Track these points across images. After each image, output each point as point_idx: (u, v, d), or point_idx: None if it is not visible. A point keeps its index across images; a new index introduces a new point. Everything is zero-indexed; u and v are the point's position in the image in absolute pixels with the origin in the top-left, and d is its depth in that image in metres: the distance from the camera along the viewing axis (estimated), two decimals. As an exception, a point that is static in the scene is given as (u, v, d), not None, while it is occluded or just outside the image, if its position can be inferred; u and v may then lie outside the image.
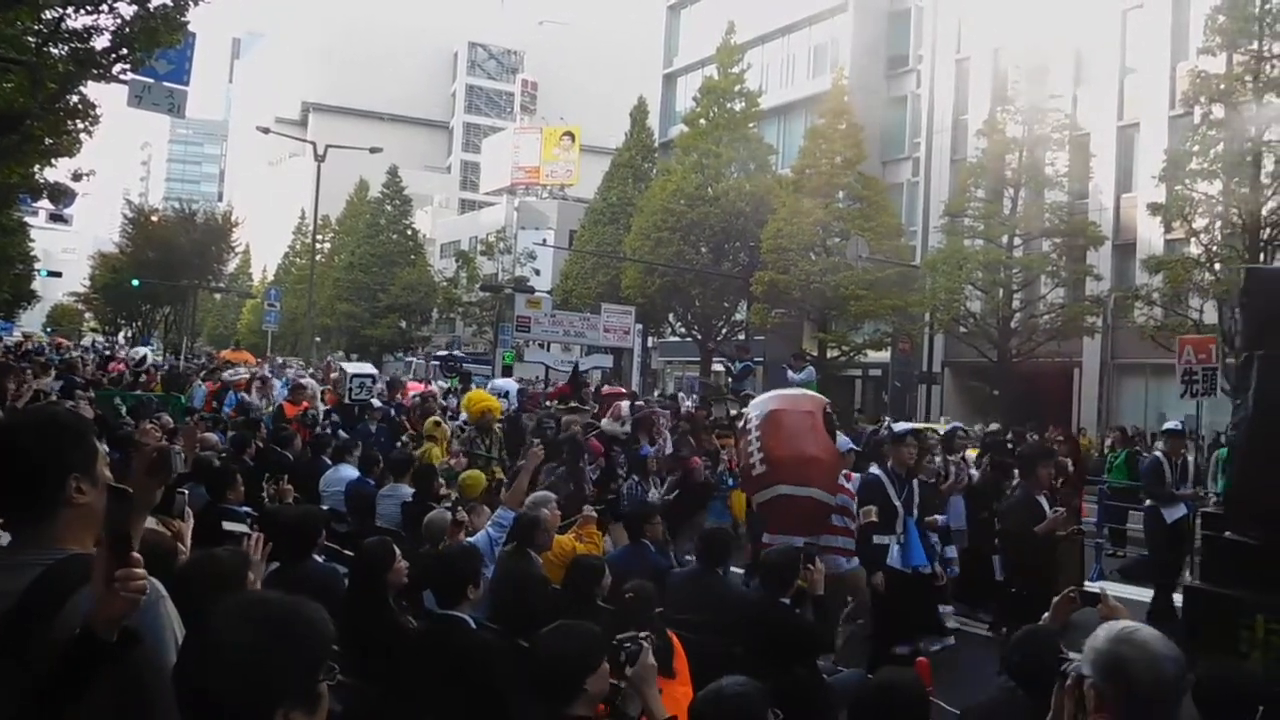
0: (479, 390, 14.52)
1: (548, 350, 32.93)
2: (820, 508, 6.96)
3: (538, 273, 41.35)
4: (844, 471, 7.55)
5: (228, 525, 4.28)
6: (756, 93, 32.38)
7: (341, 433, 11.31)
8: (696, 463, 9.93)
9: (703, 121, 31.72)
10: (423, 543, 5.88)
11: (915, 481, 7.55)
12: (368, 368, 16.76)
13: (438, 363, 31.12)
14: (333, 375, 17.90)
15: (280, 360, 32.81)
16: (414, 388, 18.34)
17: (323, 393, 15.18)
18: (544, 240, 43.12)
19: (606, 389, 15.52)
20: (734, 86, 31.41)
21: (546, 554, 5.63)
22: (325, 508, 7.36)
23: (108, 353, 32.10)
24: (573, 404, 12.30)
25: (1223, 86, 19.43)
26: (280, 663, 1.49)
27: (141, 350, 27.04)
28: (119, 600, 1.74)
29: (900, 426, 8.38)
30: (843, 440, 8.04)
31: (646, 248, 31.37)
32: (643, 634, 3.28)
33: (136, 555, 1.78)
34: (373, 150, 37.13)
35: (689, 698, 3.89)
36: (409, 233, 53.93)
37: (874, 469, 7.44)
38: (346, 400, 12.82)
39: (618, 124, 42.43)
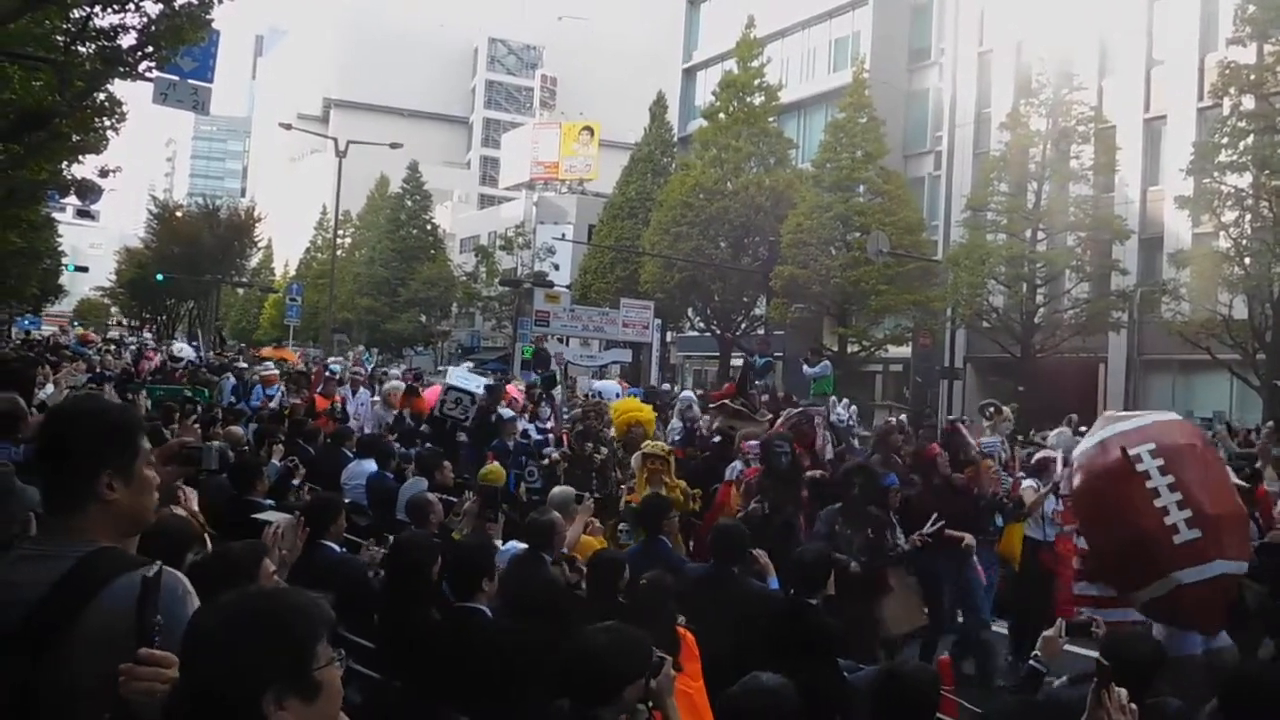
0: (630, 399, 12.05)
1: (566, 345, 32.97)
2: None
3: (557, 267, 41.41)
4: None
5: (261, 515, 4.27)
6: (776, 87, 32.28)
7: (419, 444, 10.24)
8: (935, 451, 7.74)
9: (722, 116, 31.63)
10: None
11: None
12: (473, 381, 12.07)
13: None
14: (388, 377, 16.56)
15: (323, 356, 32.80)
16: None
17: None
18: (563, 235, 43.16)
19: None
20: (753, 80, 31.31)
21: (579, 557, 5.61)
22: (346, 501, 7.39)
23: (134, 347, 32.41)
24: (740, 410, 9.42)
25: (1253, 77, 19.21)
26: (258, 651, 1.51)
27: (183, 347, 27.13)
28: (127, 690, 1.72)
29: None
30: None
31: (665, 242, 31.33)
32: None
33: (153, 653, 1.74)
34: (393, 146, 37.31)
35: (701, 694, 3.89)
36: (429, 228, 54.21)
37: None
38: (438, 413, 11.21)
39: (637, 119, 42.38)
